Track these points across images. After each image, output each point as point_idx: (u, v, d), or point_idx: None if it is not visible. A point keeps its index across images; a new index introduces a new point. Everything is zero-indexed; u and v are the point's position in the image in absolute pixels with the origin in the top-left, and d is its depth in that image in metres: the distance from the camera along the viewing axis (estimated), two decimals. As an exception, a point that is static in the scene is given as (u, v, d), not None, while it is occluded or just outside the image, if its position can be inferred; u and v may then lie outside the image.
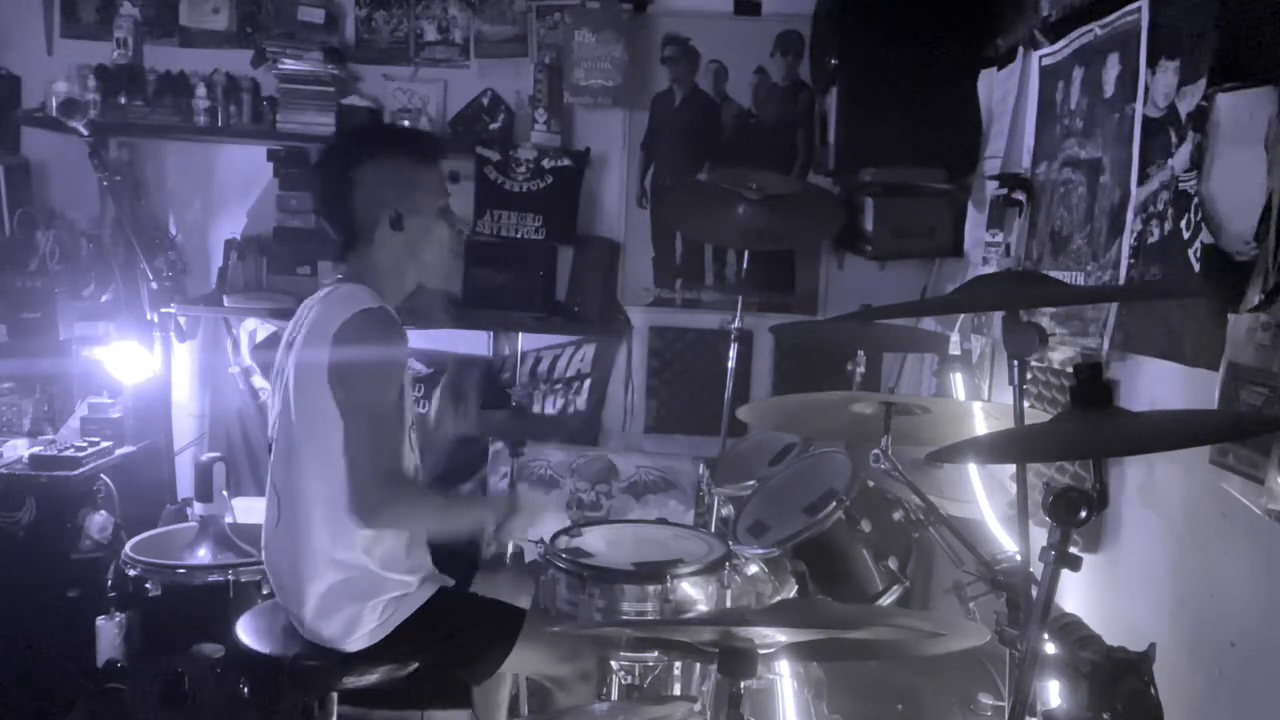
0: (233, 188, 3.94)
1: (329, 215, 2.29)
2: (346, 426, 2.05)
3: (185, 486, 3.73)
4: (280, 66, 3.71)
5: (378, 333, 2.09)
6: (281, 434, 2.20)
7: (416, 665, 2.14)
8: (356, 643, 2.13)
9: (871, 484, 2.25)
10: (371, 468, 2.02)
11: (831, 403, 2.22)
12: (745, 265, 3.39)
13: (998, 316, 2.36)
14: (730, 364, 3.33)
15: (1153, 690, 1.45)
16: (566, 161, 3.73)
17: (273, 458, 2.24)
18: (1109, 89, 2.29)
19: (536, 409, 3.86)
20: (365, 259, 2.22)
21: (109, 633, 2.93)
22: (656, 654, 2.23)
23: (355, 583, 2.12)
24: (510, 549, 2.89)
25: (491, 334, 3.91)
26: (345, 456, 2.04)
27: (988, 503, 2.34)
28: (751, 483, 2.64)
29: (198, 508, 2.98)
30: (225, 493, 2.99)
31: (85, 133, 3.25)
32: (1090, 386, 1.36)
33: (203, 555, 2.86)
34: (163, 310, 3.42)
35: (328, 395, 2.08)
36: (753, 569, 2.42)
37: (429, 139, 2.38)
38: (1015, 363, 1.63)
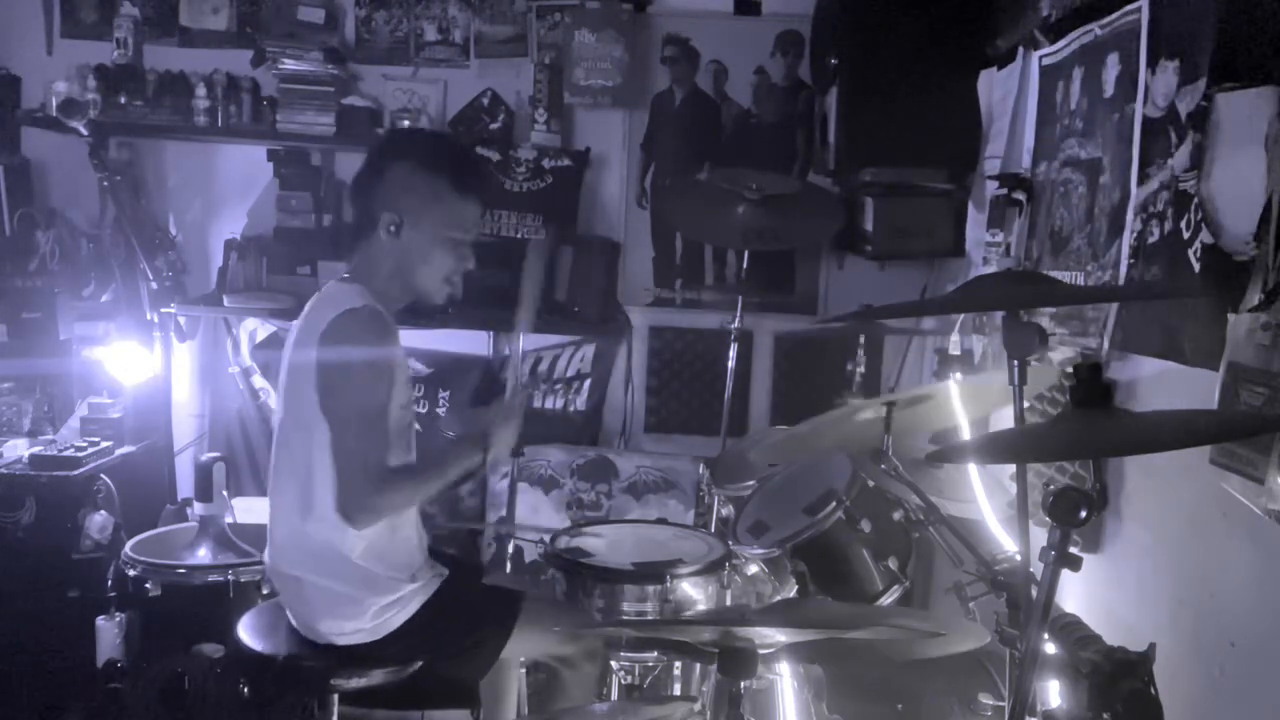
0: (233, 188, 3.95)
1: (353, 196, 2.29)
2: (333, 429, 2.05)
3: (185, 486, 3.72)
4: (280, 66, 3.71)
5: (362, 333, 2.07)
6: (278, 432, 2.21)
7: (419, 663, 2.14)
8: (354, 641, 2.13)
9: (871, 484, 2.25)
10: (360, 471, 2.02)
11: (835, 419, 2.21)
12: (745, 265, 3.39)
13: (998, 316, 2.36)
14: (730, 364, 3.33)
15: (1153, 690, 1.45)
16: (566, 161, 3.73)
17: (272, 456, 2.25)
18: (1109, 89, 2.29)
19: (536, 408, 3.86)
20: (365, 255, 2.22)
21: (109, 633, 2.93)
22: (656, 654, 2.23)
23: (353, 582, 2.12)
24: (510, 549, 2.89)
25: (491, 334, 3.91)
26: (334, 459, 2.04)
27: (988, 503, 2.34)
28: (751, 483, 2.64)
29: (198, 508, 2.98)
30: (225, 493, 2.99)
31: (85, 133, 3.25)
32: (1090, 386, 1.36)
33: (203, 555, 2.86)
34: (163, 310, 3.42)
35: (315, 396, 2.08)
36: (753, 569, 2.42)
37: (475, 170, 2.32)
38: (1015, 363, 1.63)
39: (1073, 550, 1.36)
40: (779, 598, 2.36)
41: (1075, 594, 2.20)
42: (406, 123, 3.72)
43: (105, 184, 3.39)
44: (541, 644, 2.27)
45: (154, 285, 3.37)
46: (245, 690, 2.40)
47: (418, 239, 2.18)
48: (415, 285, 2.23)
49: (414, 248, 2.19)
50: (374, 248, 2.20)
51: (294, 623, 2.19)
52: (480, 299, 3.66)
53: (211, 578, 2.79)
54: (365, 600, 2.12)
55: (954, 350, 2.92)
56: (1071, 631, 1.66)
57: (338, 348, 2.07)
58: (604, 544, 2.45)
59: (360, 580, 2.12)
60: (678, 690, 2.40)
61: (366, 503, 2.04)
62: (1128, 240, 2.13)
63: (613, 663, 2.33)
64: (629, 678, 2.37)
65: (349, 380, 2.06)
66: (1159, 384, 2.04)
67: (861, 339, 3.00)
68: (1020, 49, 2.77)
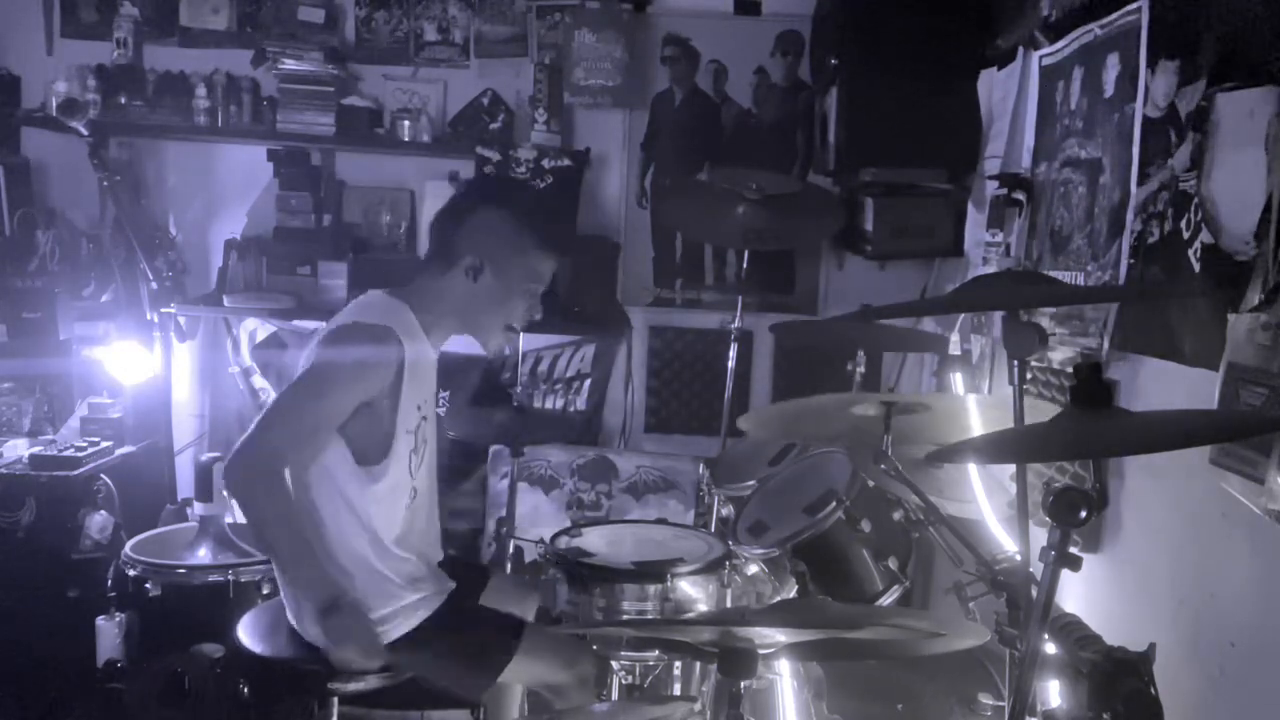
0: (233, 188, 3.95)
1: (434, 230, 2.29)
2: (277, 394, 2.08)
3: (185, 486, 3.72)
4: (280, 66, 3.72)
5: (355, 343, 2.08)
6: None
7: (413, 675, 2.13)
8: None
9: (871, 484, 2.25)
10: (256, 440, 1.99)
11: (832, 406, 2.22)
12: (745, 265, 3.39)
13: (998, 316, 2.36)
14: (730, 364, 3.33)
15: (1153, 690, 1.45)
16: (566, 161, 3.73)
17: None
18: (1109, 89, 2.29)
19: (536, 408, 3.86)
20: (432, 284, 2.23)
21: (109, 633, 2.93)
22: (656, 654, 2.23)
23: (350, 588, 2.11)
24: (510, 549, 2.89)
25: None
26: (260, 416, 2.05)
27: (988, 503, 2.34)
28: (751, 483, 2.64)
29: (198, 508, 2.98)
30: (225, 493, 2.99)
31: (85, 133, 3.25)
32: (1090, 386, 1.36)
33: (203, 555, 2.86)
34: (163, 310, 3.43)
35: None
36: (753, 569, 2.42)
37: (555, 225, 2.35)
38: (1015, 363, 1.63)
39: (1073, 550, 1.37)
40: (779, 598, 2.36)
41: (1075, 594, 2.20)
42: (407, 123, 3.72)
43: (105, 184, 3.39)
44: (538, 673, 2.27)
45: (154, 285, 3.37)
46: (245, 690, 2.40)
47: (496, 287, 2.20)
48: (479, 326, 2.25)
49: (490, 293, 2.21)
50: (444, 283, 2.21)
51: (294, 624, 2.19)
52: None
53: (211, 578, 2.79)
54: (366, 606, 2.11)
55: (954, 350, 2.93)
56: (1071, 631, 1.66)
57: (330, 349, 2.09)
58: (604, 544, 2.45)
59: (357, 587, 2.11)
60: (678, 690, 2.40)
61: (240, 466, 1.99)
62: (1128, 240, 2.13)
63: (613, 663, 2.33)
64: (629, 678, 2.37)
65: (307, 374, 2.08)
66: (1159, 384, 2.04)
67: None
68: (1020, 49, 2.77)
